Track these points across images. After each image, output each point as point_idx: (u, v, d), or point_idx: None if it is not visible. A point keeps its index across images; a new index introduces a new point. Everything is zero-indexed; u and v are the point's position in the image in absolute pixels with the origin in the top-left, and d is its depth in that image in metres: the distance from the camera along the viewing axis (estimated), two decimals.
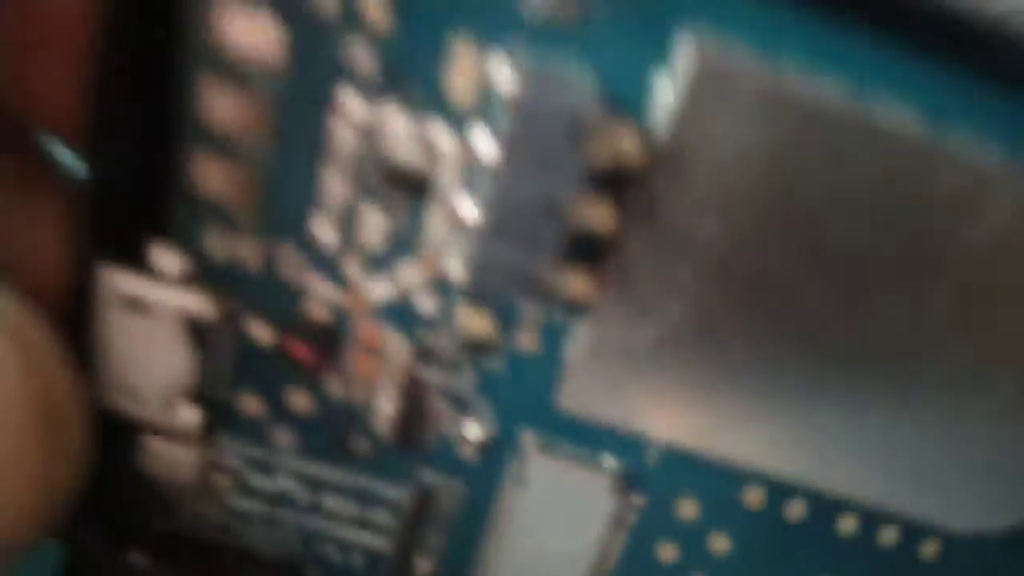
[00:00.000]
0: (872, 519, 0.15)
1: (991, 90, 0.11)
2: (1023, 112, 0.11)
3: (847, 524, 0.15)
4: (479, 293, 0.11)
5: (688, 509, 0.14)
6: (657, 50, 0.11)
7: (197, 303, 0.12)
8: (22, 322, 0.10)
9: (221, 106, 0.10)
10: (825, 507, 0.14)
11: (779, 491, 0.14)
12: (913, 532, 0.15)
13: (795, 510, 0.14)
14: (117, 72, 0.10)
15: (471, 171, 0.11)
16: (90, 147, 0.10)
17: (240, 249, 0.12)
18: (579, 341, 0.12)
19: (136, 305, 0.11)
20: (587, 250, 0.11)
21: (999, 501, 0.14)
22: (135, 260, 0.11)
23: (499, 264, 0.10)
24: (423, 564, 0.15)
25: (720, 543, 0.15)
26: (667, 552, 0.15)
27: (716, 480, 0.14)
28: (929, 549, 0.15)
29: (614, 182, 0.11)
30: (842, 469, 0.14)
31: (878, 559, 0.15)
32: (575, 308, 0.12)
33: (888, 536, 0.15)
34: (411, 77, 0.11)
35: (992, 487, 0.14)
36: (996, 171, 0.11)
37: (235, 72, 0.11)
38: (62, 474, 0.11)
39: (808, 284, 0.12)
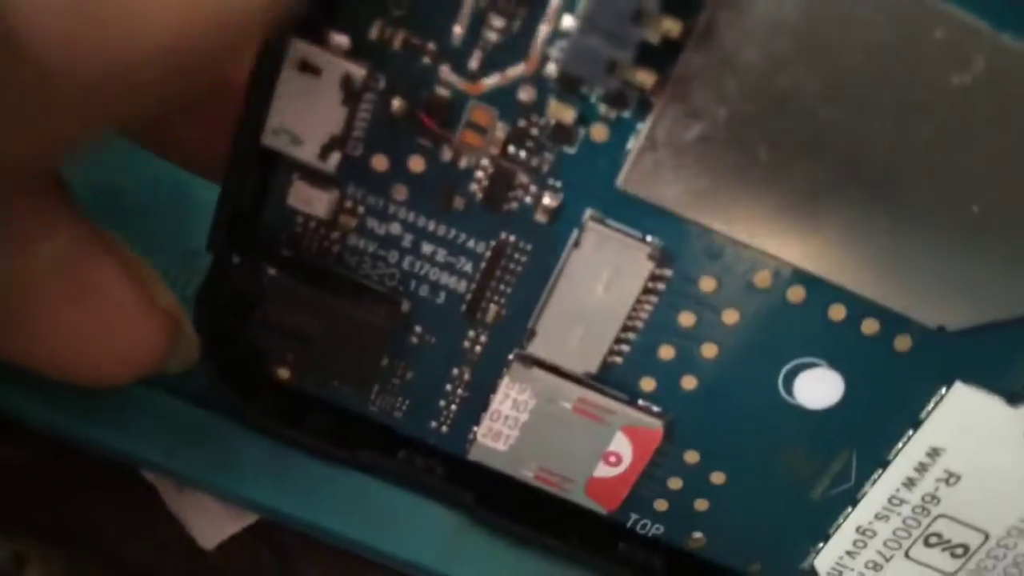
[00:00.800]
0: (858, 310, 0.19)
1: None
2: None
3: (837, 312, 0.19)
4: (571, 76, 0.15)
5: (708, 284, 0.18)
6: None
7: (354, 70, 0.15)
8: None
9: None
10: (821, 294, 0.18)
11: (784, 276, 0.18)
12: (891, 326, 0.19)
13: (796, 293, 0.18)
14: None
15: None
16: None
17: (392, 37, 0.16)
18: (641, 136, 0.16)
19: (308, 66, 0.15)
20: (656, 56, 0.15)
21: (961, 303, 0.18)
22: (314, 35, 0.15)
23: (590, 52, 0.14)
24: (492, 308, 0.19)
25: (731, 316, 0.19)
26: (687, 319, 0.19)
27: (734, 261, 0.18)
28: (902, 343, 0.19)
29: (686, 5, 0.14)
30: (838, 260, 0.17)
31: (859, 346, 0.19)
32: (640, 101, 0.15)
33: (870, 327, 0.19)
34: None
35: (957, 291, 0.18)
36: (979, 28, 0.15)
37: None
38: None
39: (823, 107, 0.16)
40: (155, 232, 0.20)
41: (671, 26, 0.15)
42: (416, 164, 0.18)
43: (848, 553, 0.22)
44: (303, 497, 0.22)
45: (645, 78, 0.15)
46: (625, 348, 0.20)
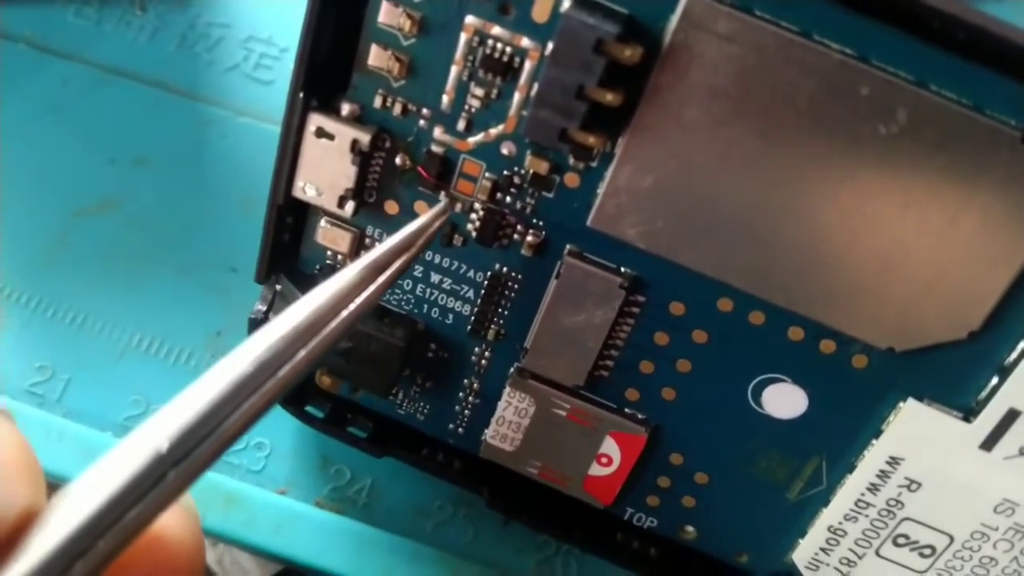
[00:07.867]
0: (815, 332, 0.21)
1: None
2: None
3: (795, 333, 0.21)
4: (532, 141, 0.18)
5: (678, 308, 0.21)
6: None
7: (361, 135, 0.19)
8: None
9: (390, 13, 0.18)
10: (779, 318, 0.20)
11: (744, 301, 0.20)
12: (846, 346, 0.21)
13: (756, 317, 0.21)
14: None
15: (540, 65, 0.18)
16: (311, 36, 0.17)
17: (392, 105, 0.19)
18: (605, 183, 0.19)
19: (324, 134, 0.18)
20: (601, 119, 0.18)
21: (906, 327, 0.20)
22: (328, 108, 0.19)
23: (542, 123, 0.17)
24: (492, 328, 0.22)
25: (700, 336, 0.21)
26: (661, 338, 0.21)
27: (698, 288, 0.20)
28: (859, 361, 0.21)
29: (623, 76, 0.17)
30: (785, 287, 0.20)
31: (819, 363, 0.21)
32: (604, 154, 0.19)
33: (827, 346, 0.21)
34: (510, 3, 0.18)
35: (901, 315, 0.20)
36: (902, 83, 0.17)
37: None
38: None
39: (762, 157, 0.18)
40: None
41: (611, 97, 0.17)
42: (420, 208, 0.21)
43: (822, 550, 0.24)
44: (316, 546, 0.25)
45: (594, 141, 0.18)
46: (609, 363, 0.22)
